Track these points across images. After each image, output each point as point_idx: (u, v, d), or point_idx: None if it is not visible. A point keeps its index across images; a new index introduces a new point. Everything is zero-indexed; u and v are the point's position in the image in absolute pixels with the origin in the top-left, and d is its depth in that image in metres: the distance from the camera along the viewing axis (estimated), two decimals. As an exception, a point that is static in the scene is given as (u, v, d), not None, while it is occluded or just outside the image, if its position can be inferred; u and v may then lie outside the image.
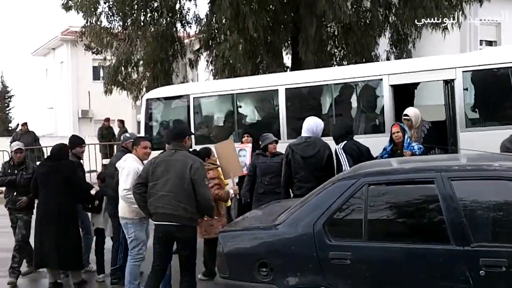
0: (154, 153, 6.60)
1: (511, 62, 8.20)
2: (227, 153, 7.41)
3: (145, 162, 6.47)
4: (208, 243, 7.33)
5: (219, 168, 7.40)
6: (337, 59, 15.57)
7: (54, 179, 7.37)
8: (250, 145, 8.77)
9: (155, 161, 6.04)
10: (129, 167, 6.56)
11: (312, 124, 7.19)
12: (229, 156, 7.44)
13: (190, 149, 6.86)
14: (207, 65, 15.84)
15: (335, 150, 7.00)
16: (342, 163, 6.81)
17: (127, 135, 8.14)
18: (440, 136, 8.29)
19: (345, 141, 7.03)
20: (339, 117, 9.49)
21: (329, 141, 7.23)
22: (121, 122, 19.29)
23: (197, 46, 16.40)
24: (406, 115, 7.82)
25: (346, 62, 14.93)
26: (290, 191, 7.12)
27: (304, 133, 7.15)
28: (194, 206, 5.87)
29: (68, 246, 7.25)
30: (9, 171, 8.09)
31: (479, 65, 8.41)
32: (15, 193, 8.05)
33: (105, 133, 18.35)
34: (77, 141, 8.15)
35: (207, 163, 7.03)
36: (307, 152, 6.98)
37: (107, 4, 15.51)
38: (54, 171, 7.40)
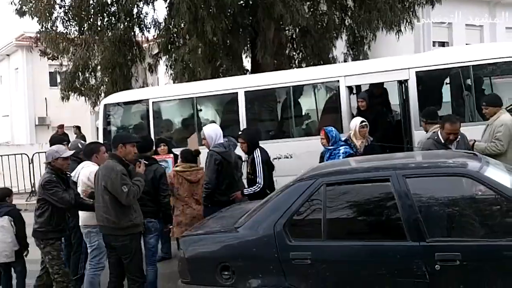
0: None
1: (459, 62, 8.47)
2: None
3: None
4: None
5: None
6: (296, 62, 15.72)
7: None
8: (171, 155, 8.63)
9: (95, 174, 6.15)
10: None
11: (220, 130, 7.33)
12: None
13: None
14: (166, 69, 15.77)
15: (253, 156, 7.21)
16: (258, 171, 7.05)
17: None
18: None
19: (259, 149, 7.26)
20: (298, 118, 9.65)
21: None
22: (77, 128, 19.03)
23: (156, 51, 16.32)
24: (364, 121, 7.93)
25: (304, 65, 15.08)
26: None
27: (219, 140, 7.18)
28: (115, 215, 5.87)
29: None
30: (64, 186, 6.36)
31: (431, 66, 8.65)
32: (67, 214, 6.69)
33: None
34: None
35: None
36: (232, 157, 7.14)
37: (62, 9, 15.26)
38: None
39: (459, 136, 6.59)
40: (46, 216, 6.34)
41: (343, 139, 7.50)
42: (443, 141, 6.47)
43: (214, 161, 6.91)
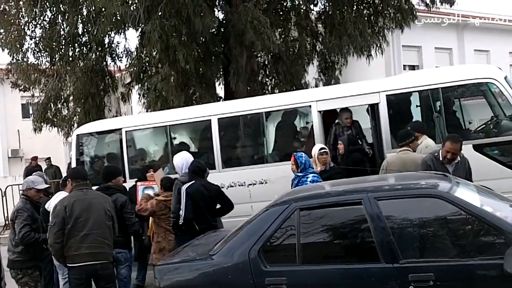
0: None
1: (429, 85, 8.63)
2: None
3: None
4: None
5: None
6: (269, 88, 15.81)
7: None
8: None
9: (69, 203, 5.91)
10: None
11: (188, 159, 7.40)
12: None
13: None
14: (139, 98, 15.74)
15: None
16: (182, 205, 6.80)
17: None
18: None
19: (193, 182, 6.93)
20: (272, 143, 9.70)
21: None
22: (48, 159, 18.92)
23: (128, 80, 16.29)
24: (324, 148, 7.93)
25: (277, 91, 15.16)
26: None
27: (186, 169, 7.20)
28: (112, 243, 6.07)
29: None
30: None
31: (401, 89, 8.79)
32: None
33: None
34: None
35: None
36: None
37: (33, 40, 15.17)
38: None
39: (458, 158, 6.66)
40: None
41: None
42: (441, 159, 6.57)
43: (177, 191, 6.94)
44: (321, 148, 7.77)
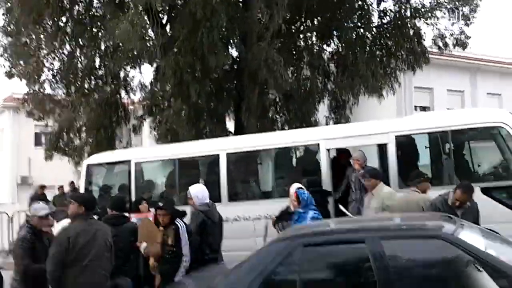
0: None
1: (439, 127, 8.62)
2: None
3: None
4: None
5: None
6: (279, 124, 15.90)
7: None
8: (151, 213, 8.27)
9: (73, 235, 5.79)
10: None
11: (205, 190, 7.29)
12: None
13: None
14: (150, 131, 15.89)
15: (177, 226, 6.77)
16: (184, 242, 6.64)
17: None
18: None
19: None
20: (279, 179, 9.71)
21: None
22: (61, 187, 18.94)
23: (141, 112, 16.48)
24: (301, 188, 7.68)
25: (287, 128, 15.25)
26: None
27: (204, 200, 7.10)
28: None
29: None
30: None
31: (410, 130, 8.80)
32: None
33: None
34: None
35: None
36: (216, 216, 7.12)
37: (51, 72, 15.55)
38: None
39: (468, 204, 6.75)
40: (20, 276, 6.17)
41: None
42: (450, 203, 6.66)
43: (199, 221, 6.85)
44: (299, 188, 7.63)
